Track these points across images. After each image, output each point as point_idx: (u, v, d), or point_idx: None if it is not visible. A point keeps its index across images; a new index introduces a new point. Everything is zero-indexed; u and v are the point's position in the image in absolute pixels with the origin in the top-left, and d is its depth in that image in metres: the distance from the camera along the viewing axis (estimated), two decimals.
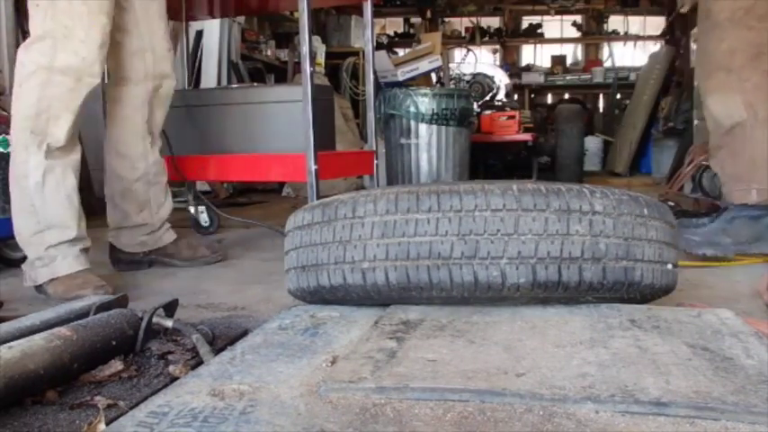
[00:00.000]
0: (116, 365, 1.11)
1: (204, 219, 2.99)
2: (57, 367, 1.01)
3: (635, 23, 10.04)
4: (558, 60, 10.09)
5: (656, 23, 9.48)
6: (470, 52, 6.46)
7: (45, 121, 1.78)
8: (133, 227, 2.19)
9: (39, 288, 1.81)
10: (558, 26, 10.55)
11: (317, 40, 6.33)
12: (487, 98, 5.31)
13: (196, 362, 1.13)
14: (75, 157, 1.87)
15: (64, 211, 1.81)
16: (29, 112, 1.77)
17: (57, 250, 1.80)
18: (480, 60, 6.46)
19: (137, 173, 2.14)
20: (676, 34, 7.18)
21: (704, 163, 2.31)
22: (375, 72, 3.00)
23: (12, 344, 1.00)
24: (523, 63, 10.35)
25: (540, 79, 9.38)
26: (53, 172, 1.80)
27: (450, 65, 6.06)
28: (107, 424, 0.84)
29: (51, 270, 1.79)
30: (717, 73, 1.87)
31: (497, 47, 10.19)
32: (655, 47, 8.82)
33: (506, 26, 10.40)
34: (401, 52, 6.75)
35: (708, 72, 1.91)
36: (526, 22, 10.64)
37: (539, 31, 10.51)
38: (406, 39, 9.68)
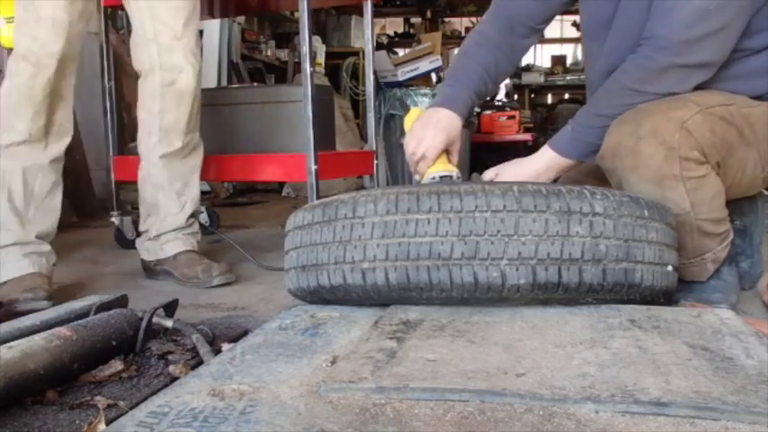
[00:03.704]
0: (116, 365, 1.11)
1: (204, 218, 2.99)
2: (57, 367, 1.01)
3: None
4: (558, 60, 10.09)
5: None
6: None
7: (9, 115, 1.71)
8: (144, 231, 2.11)
9: None
10: (557, 26, 10.56)
11: (316, 40, 6.33)
12: (487, 98, 5.31)
13: (196, 362, 1.13)
14: (37, 155, 1.75)
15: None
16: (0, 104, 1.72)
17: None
18: None
19: (142, 172, 2.06)
20: None
21: None
22: (375, 72, 2.99)
23: (12, 344, 1.00)
24: (523, 63, 10.35)
25: (540, 79, 9.38)
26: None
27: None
28: (107, 424, 0.84)
29: None
30: (656, 152, 1.33)
31: None
32: None
33: None
34: (401, 52, 6.75)
35: (635, 142, 1.34)
36: None
37: None
38: (406, 39, 9.68)
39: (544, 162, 1.53)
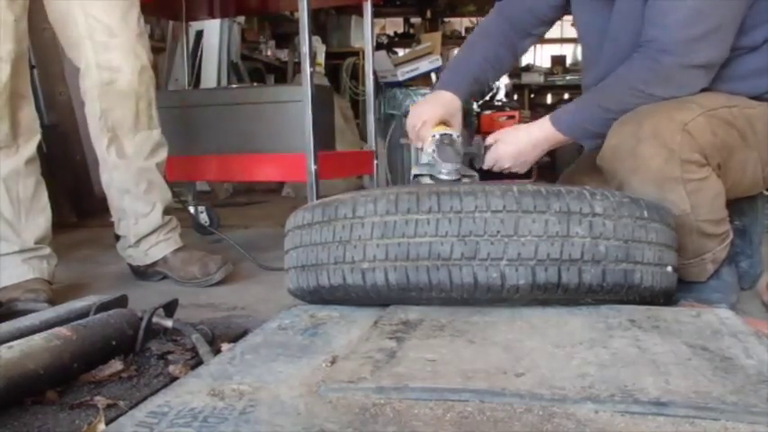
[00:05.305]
0: (116, 365, 1.11)
1: (204, 218, 2.99)
2: (57, 367, 1.01)
3: None
4: (558, 60, 10.08)
5: None
6: None
7: None
8: (120, 237, 2.06)
9: None
10: (557, 26, 10.54)
11: (316, 40, 6.32)
12: (487, 98, 5.32)
13: (196, 362, 1.13)
14: (12, 161, 1.72)
15: None
16: None
17: None
18: None
19: (104, 176, 1.97)
20: None
21: None
22: (375, 72, 2.99)
23: (12, 344, 1.00)
24: (523, 63, 10.35)
25: (540, 79, 9.36)
26: None
27: None
28: (107, 424, 0.84)
29: None
30: (656, 154, 1.33)
31: None
32: None
33: None
34: (401, 52, 6.74)
35: (636, 143, 1.34)
36: None
37: None
38: (406, 39, 9.67)
39: (542, 135, 1.56)
